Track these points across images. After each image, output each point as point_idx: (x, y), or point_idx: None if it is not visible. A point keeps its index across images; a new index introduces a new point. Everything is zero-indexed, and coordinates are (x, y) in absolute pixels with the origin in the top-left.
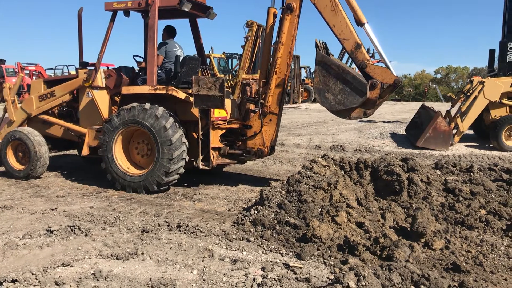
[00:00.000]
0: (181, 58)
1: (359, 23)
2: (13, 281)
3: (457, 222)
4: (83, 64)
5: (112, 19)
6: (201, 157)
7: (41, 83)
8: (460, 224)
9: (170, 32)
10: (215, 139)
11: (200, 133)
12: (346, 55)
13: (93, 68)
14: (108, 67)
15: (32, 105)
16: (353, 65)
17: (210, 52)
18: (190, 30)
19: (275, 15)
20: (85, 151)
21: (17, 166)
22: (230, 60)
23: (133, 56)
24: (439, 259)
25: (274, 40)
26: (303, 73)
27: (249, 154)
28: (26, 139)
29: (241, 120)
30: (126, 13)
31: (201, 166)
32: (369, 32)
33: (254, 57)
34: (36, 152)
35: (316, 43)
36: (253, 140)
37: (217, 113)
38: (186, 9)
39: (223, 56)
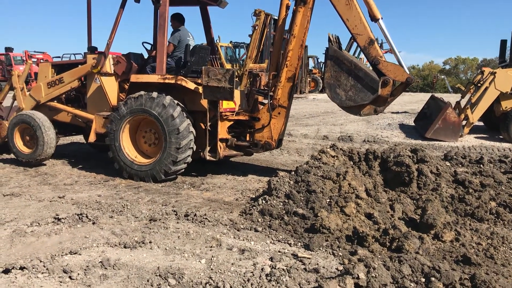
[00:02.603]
0: (191, 47)
1: (374, 18)
2: (21, 268)
3: (467, 214)
4: (92, 49)
5: (122, 5)
6: (208, 148)
7: (49, 67)
8: (470, 216)
9: (180, 20)
10: (222, 130)
11: (208, 124)
12: (354, 47)
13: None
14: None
15: (40, 92)
16: (361, 55)
17: (217, 41)
18: (201, 18)
19: (287, 7)
20: (92, 138)
21: (24, 149)
22: (237, 49)
23: (142, 43)
24: (449, 251)
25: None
26: (311, 63)
27: (257, 147)
28: (33, 123)
29: (249, 112)
30: None
31: (208, 157)
32: (383, 28)
33: (261, 46)
34: (44, 137)
35: (329, 37)
36: (261, 132)
37: (225, 105)
38: None
39: (230, 45)
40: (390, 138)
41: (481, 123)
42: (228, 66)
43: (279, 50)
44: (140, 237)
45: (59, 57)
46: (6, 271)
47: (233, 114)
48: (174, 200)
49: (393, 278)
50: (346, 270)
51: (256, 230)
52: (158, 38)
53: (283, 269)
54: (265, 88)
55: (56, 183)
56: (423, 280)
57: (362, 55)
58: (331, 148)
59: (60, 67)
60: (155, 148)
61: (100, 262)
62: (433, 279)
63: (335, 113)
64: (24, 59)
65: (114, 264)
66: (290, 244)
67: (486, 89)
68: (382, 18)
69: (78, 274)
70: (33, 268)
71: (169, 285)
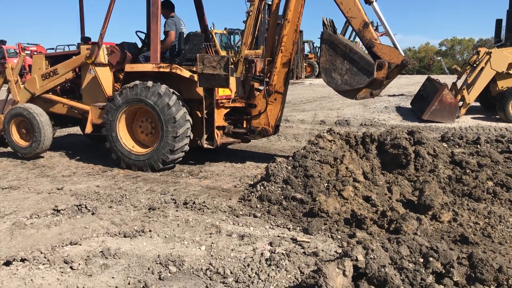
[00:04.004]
0: (184, 35)
1: (368, 1)
2: (22, 260)
3: (464, 194)
4: (85, 39)
5: None
6: (205, 136)
7: (43, 59)
8: (468, 196)
9: (170, 7)
10: (219, 118)
11: (205, 112)
12: (349, 31)
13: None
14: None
15: (35, 85)
16: (357, 39)
17: (212, 28)
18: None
19: None
20: (89, 129)
21: (21, 142)
22: (232, 36)
23: (136, 32)
24: (447, 231)
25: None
26: (306, 48)
27: (254, 134)
28: (30, 116)
29: (246, 98)
30: None
31: (205, 145)
32: (377, 10)
33: (256, 32)
34: (40, 130)
35: (323, 21)
36: (258, 119)
37: (221, 92)
38: None
39: (225, 32)
40: (387, 121)
41: (478, 104)
42: (223, 53)
43: (274, 35)
44: (139, 226)
45: (52, 48)
46: (7, 264)
47: (229, 101)
48: (172, 189)
49: (391, 259)
50: (345, 252)
51: (255, 216)
52: (151, 26)
53: (282, 254)
54: (261, 74)
55: (54, 175)
56: (421, 260)
57: (357, 39)
58: (328, 133)
59: (54, 59)
60: (152, 137)
61: (101, 251)
62: (431, 259)
63: (331, 97)
64: (18, 51)
65: (115, 254)
66: (289, 229)
67: (482, 69)
68: (376, 1)
69: (79, 264)
70: (34, 259)
71: (170, 273)
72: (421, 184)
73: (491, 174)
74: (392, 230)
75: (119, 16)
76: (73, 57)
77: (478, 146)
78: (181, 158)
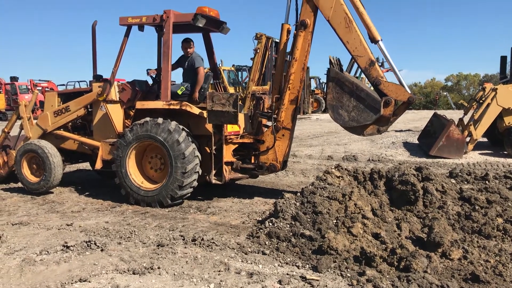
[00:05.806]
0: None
1: (373, 40)
2: None
3: (474, 231)
4: (97, 77)
5: (127, 34)
6: (213, 171)
7: (55, 96)
8: (478, 233)
9: (189, 42)
10: (227, 153)
11: (213, 147)
12: (354, 67)
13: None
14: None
15: (47, 121)
16: (362, 75)
17: (220, 65)
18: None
19: (288, 32)
20: (99, 165)
21: (30, 177)
22: (239, 73)
23: (147, 70)
24: (457, 269)
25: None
26: (313, 84)
27: (262, 169)
28: (44, 155)
29: (254, 134)
30: (141, 28)
31: (213, 181)
32: (383, 49)
33: (263, 69)
34: (51, 166)
35: (330, 60)
36: (266, 155)
37: (230, 128)
38: (200, 25)
39: (232, 68)
40: (394, 157)
41: (485, 139)
42: (231, 89)
43: (281, 73)
44: (148, 262)
45: (63, 85)
46: None
47: (237, 137)
48: (181, 225)
49: None
50: None
51: (263, 253)
52: (162, 65)
53: None
54: (269, 111)
55: (64, 210)
56: None
57: (363, 75)
58: (336, 169)
59: (66, 96)
60: (161, 173)
61: None
62: None
63: (338, 132)
64: (29, 87)
65: None
66: (298, 267)
67: (488, 105)
68: (381, 40)
69: None
70: None
71: None
72: (430, 221)
73: (501, 210)
74: (402, 268)
75: (130, 55)
76: (85, 94)
77: (487, 182)
78: (189, 194)
